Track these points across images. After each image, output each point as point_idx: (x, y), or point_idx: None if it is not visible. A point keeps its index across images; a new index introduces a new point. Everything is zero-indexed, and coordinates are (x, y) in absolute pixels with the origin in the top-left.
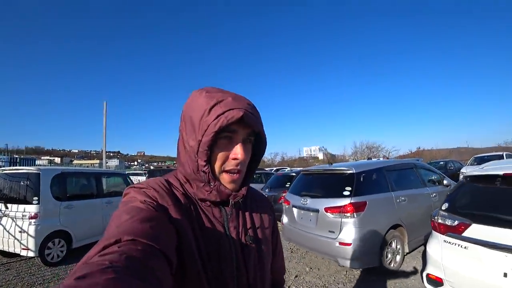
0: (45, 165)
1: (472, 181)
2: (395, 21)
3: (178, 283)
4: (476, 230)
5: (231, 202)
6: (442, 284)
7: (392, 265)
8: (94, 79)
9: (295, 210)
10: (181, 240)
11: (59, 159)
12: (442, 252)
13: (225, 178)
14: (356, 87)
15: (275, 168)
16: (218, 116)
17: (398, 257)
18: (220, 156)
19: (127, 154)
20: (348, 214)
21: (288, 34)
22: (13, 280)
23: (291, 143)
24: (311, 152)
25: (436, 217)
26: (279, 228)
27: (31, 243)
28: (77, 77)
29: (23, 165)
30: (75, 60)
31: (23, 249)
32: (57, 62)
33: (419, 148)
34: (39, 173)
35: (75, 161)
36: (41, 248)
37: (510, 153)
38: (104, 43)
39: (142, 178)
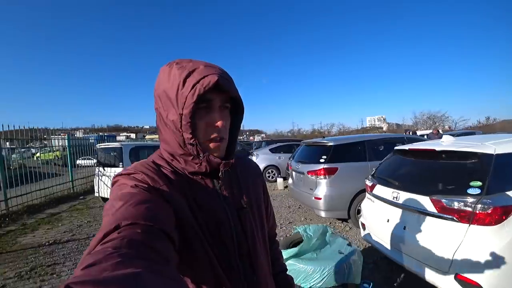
0: (123, 141)
1: (394, 154)
2: None
3: (186, 258)
4: (378, 189)
5: (222, 170)
6: (365, 228)
7: None
8: (161, 60)
9: (293, 173)
10: (180, 216)
11: (134, 135)
12: (365, 205)
13: (209, 146)
14: (418, 47)
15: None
16: (193, 85)
17: None
18: (201, 126)
19: None
20: (322, 176)
21: None
22: None
23: (352, 112)
24: (374, 121)
25: (366, 180)
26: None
27: None
28: (147, 59)
29: (108, 142)
30: (145, 44)
31: None
32: (129, 50)
33: (489, 118)
34: (121, 147)
35: (147, 136)
36: None
37: None
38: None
39: None
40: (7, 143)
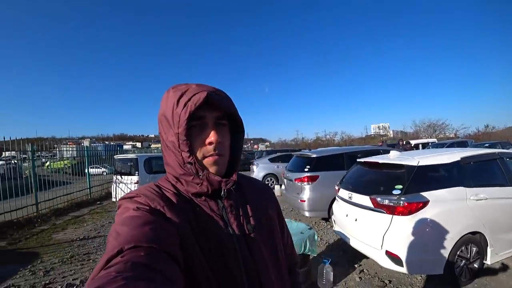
0: (130, 150)
1: (356, 164)
2: None
3: (187, 283)
4: (341, 192)
5: (224, 189)
6: (335, 223)
7: None
8: (165, 68)
9: (285, 180)
10: (181, 239)
11: (140, 144)
12: (335, 205)
13: (207, 162)
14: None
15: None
16: (185, 104)
17: None
18: (197, 144)
19: None
20: (305, 182)
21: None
22: None
23: (356, 120)
24: (379, 129)
25: (335, 185)
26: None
27: None
28: (148, 69)
29: (115, 150)
30: (147, 54)
31: None
32: (132, 60)
33: (488, 126)
34: (137, 158)
35: (152, 145)
36: None
37: None
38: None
39: None
40: (18, 153)
